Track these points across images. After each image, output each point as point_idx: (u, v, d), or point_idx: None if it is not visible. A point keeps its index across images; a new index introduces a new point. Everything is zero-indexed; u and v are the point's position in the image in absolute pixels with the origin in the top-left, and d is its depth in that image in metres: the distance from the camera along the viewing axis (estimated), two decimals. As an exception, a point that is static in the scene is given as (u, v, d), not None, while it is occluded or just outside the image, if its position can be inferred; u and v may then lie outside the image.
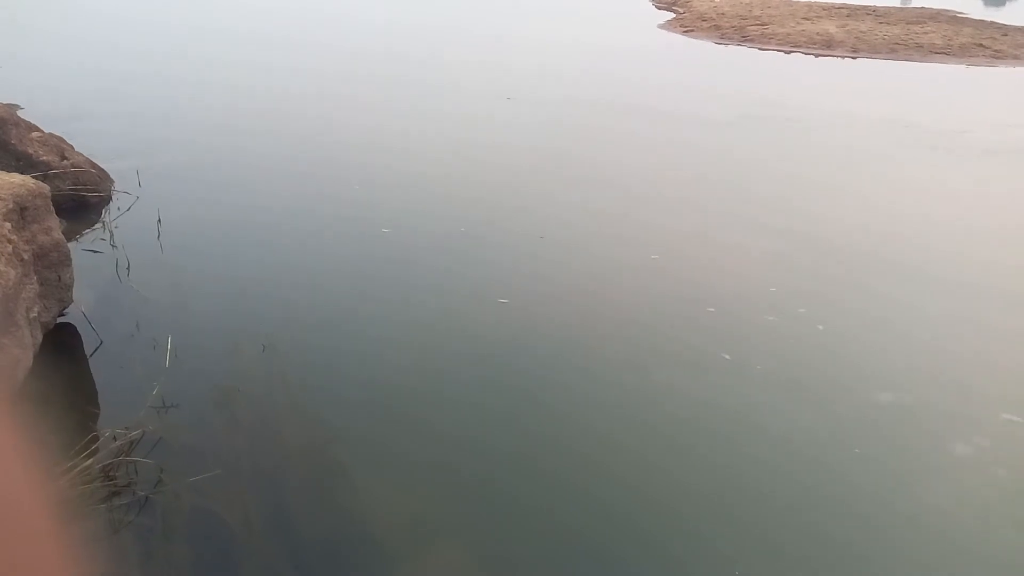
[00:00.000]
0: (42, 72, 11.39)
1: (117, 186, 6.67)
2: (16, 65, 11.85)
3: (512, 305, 5.00)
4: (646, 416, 3.96)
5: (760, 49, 16.44)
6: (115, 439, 3.38)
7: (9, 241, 3.78)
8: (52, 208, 4.36)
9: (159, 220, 5.92)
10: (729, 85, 12.71)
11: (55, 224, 4.32)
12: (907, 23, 18.59)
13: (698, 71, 14.53)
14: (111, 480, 3.25)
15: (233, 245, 5.83)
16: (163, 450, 3.47)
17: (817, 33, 17.02)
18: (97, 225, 6.02)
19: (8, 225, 3.83)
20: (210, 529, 3.10)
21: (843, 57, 15.76)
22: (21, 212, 4.04)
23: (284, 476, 3.42)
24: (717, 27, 18.24)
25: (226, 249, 5.75)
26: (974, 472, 3.61)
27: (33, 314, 3.88)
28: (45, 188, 4.34)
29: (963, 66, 15.01)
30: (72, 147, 6.65)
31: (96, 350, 4.28)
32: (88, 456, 3.19)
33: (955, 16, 20.55)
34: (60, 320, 4.40)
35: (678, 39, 17.79)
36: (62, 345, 4.30)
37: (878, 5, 21.58)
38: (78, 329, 4.44)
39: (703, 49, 16.68)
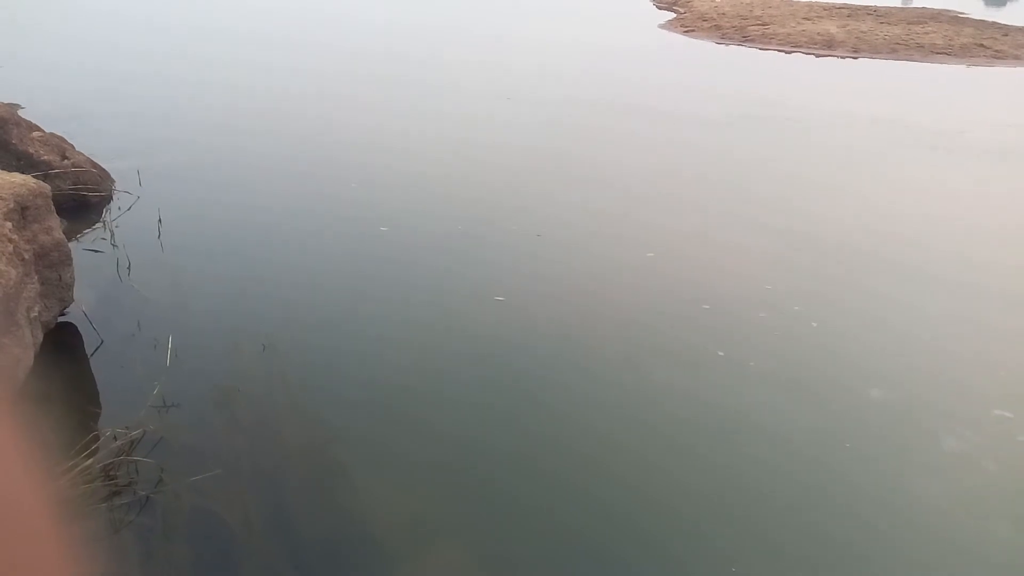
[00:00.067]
0: (43, 72, 11.39)
1: (118, 186, 6.68)
2: (17, 65, 11.86)
3: (512, 305, 5.00)
4: (646, 416, 3.96)
5: (761, 49, 16.44)
6: (116, 438, 3.38)
7: (10, 241, 3.78)
8: (53, 208, 4.36)
9: (159, 220, 5.92)
10: (729, 85, 12.70)
11: (56, 224, 4.32)
12: (908, 23, 18.59)
13: (698, 71, 14.53)
14: (112, 480, 3.25)
15: (233, 245, 5.83)
16: (164, 450, 3.48)
17: (818, 33, 17.01)
18: (98, 225, 6.03)
19: (9, 224, 3.84)
20: (210, 529, 3.11)
21: (844, 57, 15.75)
22: (22, 212, 4.05)
23: (284, 476, 3.42)
24: (718, 27, 18.24)
25: (226, 249, 5.76)
26: (974, 472, 3.61)
27: (34, 313, 3.88)
28: (46, 188, 4.34)
29: (964, 66, 15.01)
30: (73, 147, 6.65)
31: (97, 349, 4.29)
32: (89, 455, 3.20)
33: (956, 16, 20.54)
34: (61, 319, 4.40)
35: (679, 39, 17.79)
36: (63, 344, 4.31)
37: (879, 5, 21.58)
38: (79, 328, 4.44)
39: (704, 49, 16.67)
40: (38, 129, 6.51)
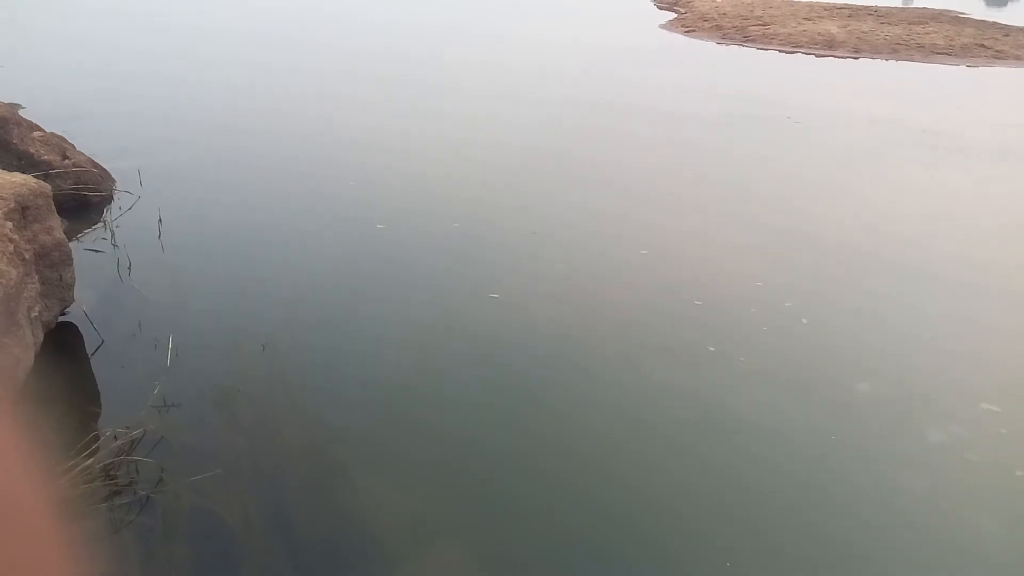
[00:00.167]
0: (43, 72, 11.40)
1: (118, 185, 6.68)
2: (17, 65, 11.86)
3: (512, 304, 5.00)
4: (646, 415, 3.96)
5: (761, 49, 16.44)
6: (116, 438, 3.38)
7: (11, 240, 3.78)
8: (54, 207, 4.36)
9: (160, 219, 5.92)
10: (730, 85, 12.70)
11: (56, 223, 4.32)
12: (909, 23, 18.58)
13: (699, 71, 14.53)
14: (112, 479, 3.25)
15: (234, 245, 5.83)
16: (164, 449, 3.48)
17: (819, 33, 17.01)
18: (98, 224, 6.03)
19: (10, 224, 3.84)
20: (210, 529, 3.11)
21: (844, 57, 15.75)
22: (23, 211, 4.05)
23: (284, 476, 3.42)
24: (719, 27, 18.24)
25: (227, 249, 5.76)
26: (974, 471, 3.61)
27: (34, 313, 3.88)
28: (47, 187, 4.34)
29: (964, 66, 15.00)
30: (73, 146, 6.65)
31: (97, 349, 4.29)
32: (89, 455, 3.20)
33: (957, 16, 20.54)
34: (61, 319, 4.41)
35: (679, 39, 17.79)
36: (63, 344, 4.31)
37: (880, 5, 21.57)
38: (79, 328, 4.45)
39: (704, 49, 16.67)
40: (39, 129, 6.52)
